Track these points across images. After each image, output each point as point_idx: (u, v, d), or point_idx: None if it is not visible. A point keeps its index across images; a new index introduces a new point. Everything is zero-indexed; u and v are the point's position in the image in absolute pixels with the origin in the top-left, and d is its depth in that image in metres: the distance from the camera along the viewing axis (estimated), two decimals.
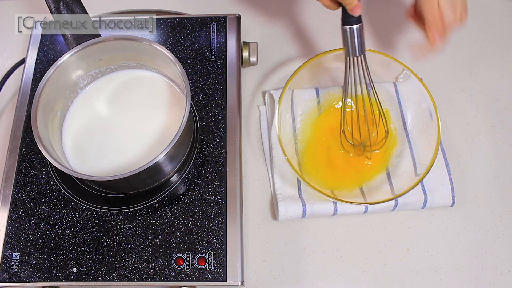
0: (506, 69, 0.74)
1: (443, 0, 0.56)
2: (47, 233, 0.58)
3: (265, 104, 0.70)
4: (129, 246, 0.57)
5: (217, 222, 0.58)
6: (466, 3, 0.59)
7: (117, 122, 0.61)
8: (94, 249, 0.57)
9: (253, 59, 0.69)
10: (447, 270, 0.61)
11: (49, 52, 0.68)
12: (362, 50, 0.58)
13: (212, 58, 0.67)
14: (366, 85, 0.61)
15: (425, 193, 0.62)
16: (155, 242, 0.57)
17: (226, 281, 0.55)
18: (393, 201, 0.61)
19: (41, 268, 0.56)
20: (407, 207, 0.62)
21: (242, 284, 0.55)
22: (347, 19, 0.56)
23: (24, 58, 0.68)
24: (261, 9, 0.78)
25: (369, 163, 0.64)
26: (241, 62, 0.69)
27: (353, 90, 0.61)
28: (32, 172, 0.61)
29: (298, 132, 0.66)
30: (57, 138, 0.59)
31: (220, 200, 0.59)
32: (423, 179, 0.59)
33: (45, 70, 0.59)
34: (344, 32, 0.57)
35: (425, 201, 0.62)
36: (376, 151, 0.64)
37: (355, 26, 0.56)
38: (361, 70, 0.59)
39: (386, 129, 0.63)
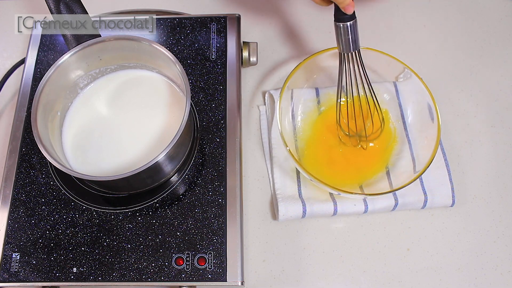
0: (506, 69, 0.74)
1: None
2: (47, 233, 0.58)
3: (265, 104, 0.70)
4: (129, 246, 0.57)
5: (217, 222, 0.58)
6: None
7: (117, 122, 0.61)
8: (94, 249, 0.57)
9: (253, 59, 0.69)
10: (447, 270, 0.61)
11: (49, 52, 0.68)
12: (356, 46, 0.57)
13: (212, 58, 0.67)
14: (362, 81, 0.60)
15: (425, 193, 0.62)
16: (155, 242, 0.57)
17: (226, 281, 0.55)
18: (393, 201, 0.61)
19: (41, 268, 0.56)
20: (407, 207, 0.62)
21: (242, 284, 0.55)
22: (340, 16, 0.55)
23: (24, 58, 0.68)
24: (261, 9, 0.78)
25: (369, 163, 0.64)
26: (241, 62, 0.68)
27: (349, 85, 0.61)
28: (32, 172, 0.61)
29: (298, 130, 0.66)
30: (57, 138, 0.59)
31: (220, 200, 0.59)
32: (422, 174, 0.58)
33: (45, 70, 0.59)
34: (337, 28, 0.56)
35: (425, 201, 0.62)
36: (370, 144, 0.64)
37: (348, 23, 0.55)
38: (356, 66, 0.59)
39: (381, 119, 0.63)
